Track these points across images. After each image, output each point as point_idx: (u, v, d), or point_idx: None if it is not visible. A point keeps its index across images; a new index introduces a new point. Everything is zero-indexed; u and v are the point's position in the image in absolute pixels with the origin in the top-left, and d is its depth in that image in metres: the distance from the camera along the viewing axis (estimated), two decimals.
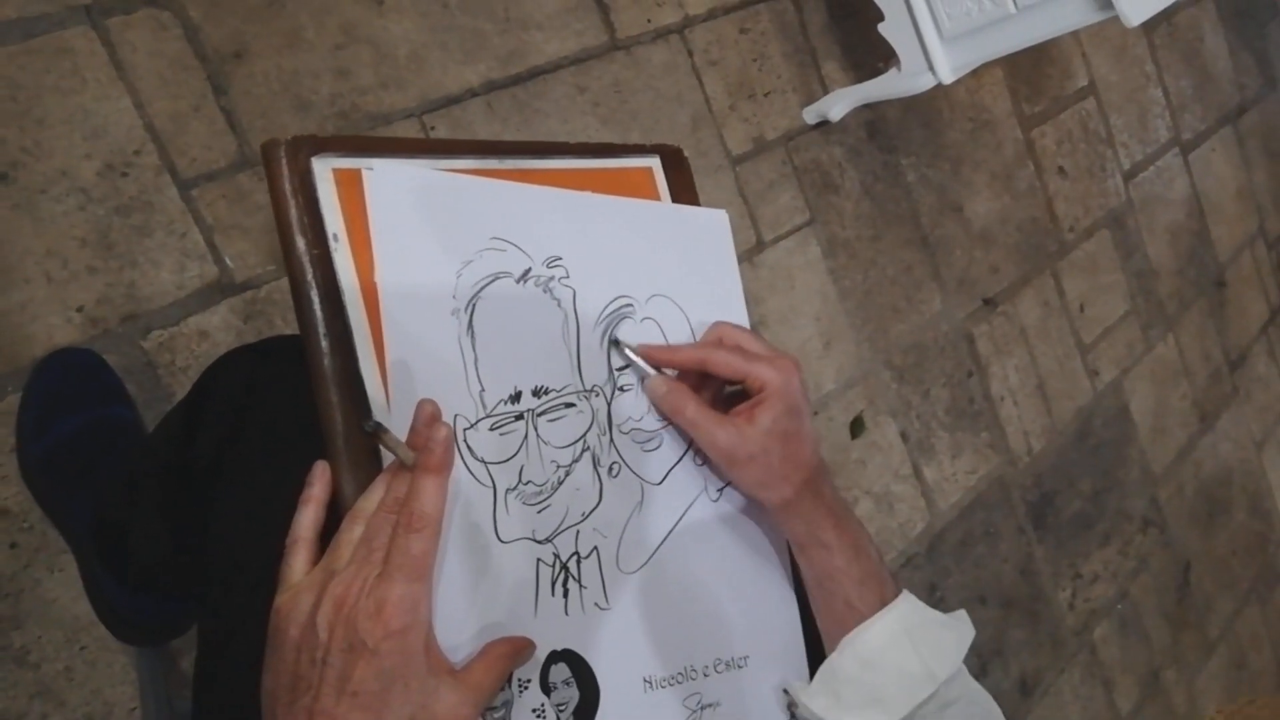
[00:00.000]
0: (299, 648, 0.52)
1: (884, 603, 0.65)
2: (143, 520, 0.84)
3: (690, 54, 1.72)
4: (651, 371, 0.69)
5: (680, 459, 0.71)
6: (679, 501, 0.70)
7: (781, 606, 0.73)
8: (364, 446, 0.59)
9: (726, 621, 0.69)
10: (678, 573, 0.68)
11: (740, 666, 0.68)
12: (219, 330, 1.20)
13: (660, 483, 0.70)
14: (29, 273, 1.09)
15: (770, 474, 0.66)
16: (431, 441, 0.55)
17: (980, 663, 2.07)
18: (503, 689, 0.58)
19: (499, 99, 1.48)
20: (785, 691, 0.67)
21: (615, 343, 0.70)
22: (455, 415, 0.61)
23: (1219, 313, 2.89)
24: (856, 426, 1.90)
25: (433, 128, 1.41)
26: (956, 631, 0.66)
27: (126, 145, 1.17)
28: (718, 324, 0.72)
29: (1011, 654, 2.14)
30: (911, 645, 0.63)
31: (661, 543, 0.69)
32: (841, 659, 0.64)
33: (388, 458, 0.58)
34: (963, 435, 2.10)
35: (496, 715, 0.58)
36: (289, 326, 1.24)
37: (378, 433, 0.56)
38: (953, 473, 2.08)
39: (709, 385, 0.71)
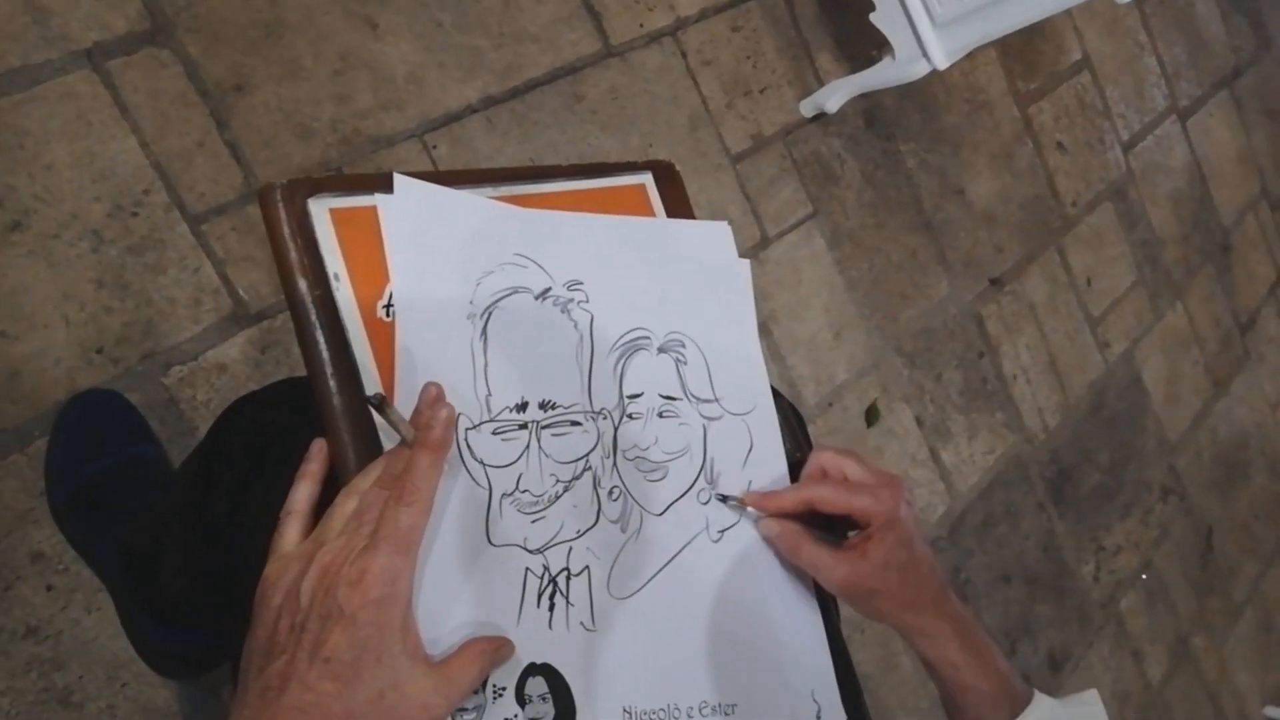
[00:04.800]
0: (280, 614, 0.52)
1: (1015, 714, 0.66)
2: (169, 563, 0.86)
3: (684, 55, 1.73)
4: (760, 516, 0.71)
5: (684, 494, 0.70)
6: (678, 536, 0.69)
7: (781, 656, 0.71)
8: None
9: (717, 666, 0.68)
10: (670, 608, 0.67)
11: (727, 714, 0.67)
12: (237, 362, 1.21)
13: (661, 514, 0.69)
14: (48, 317, 1.11)
15: (892, 603, 0.68)
16: (433, 419, 0.56)
17: (1009, 641, 2.08)
18: (476, 691, 0.57)
19: (498, 114, 1.49)
20: None
21: (723, 497, 0.71)
22: (459, 414, 0.61)
23: (1226, 277, 2.89)
24: (871, 415, 1.90)
25: (434, 146, 1.42)
26: None
27: (135, 185, 1.18)
28: (818, 454, 0.72)
29: (1039, 631, 2.15)
30: None
31: (655, 574, 0.67)
32: None
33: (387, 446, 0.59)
34: (977, 416, 2.11)
35: (466, 716, 0.57)
36: None
37: (381, 406, 0.56)
38: (970, 454, 2.08)
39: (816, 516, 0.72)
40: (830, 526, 0.71)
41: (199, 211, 1.22)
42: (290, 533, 0.57)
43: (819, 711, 0.71)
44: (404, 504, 0.53)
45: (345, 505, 0.55)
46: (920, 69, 1.70)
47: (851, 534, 0.70)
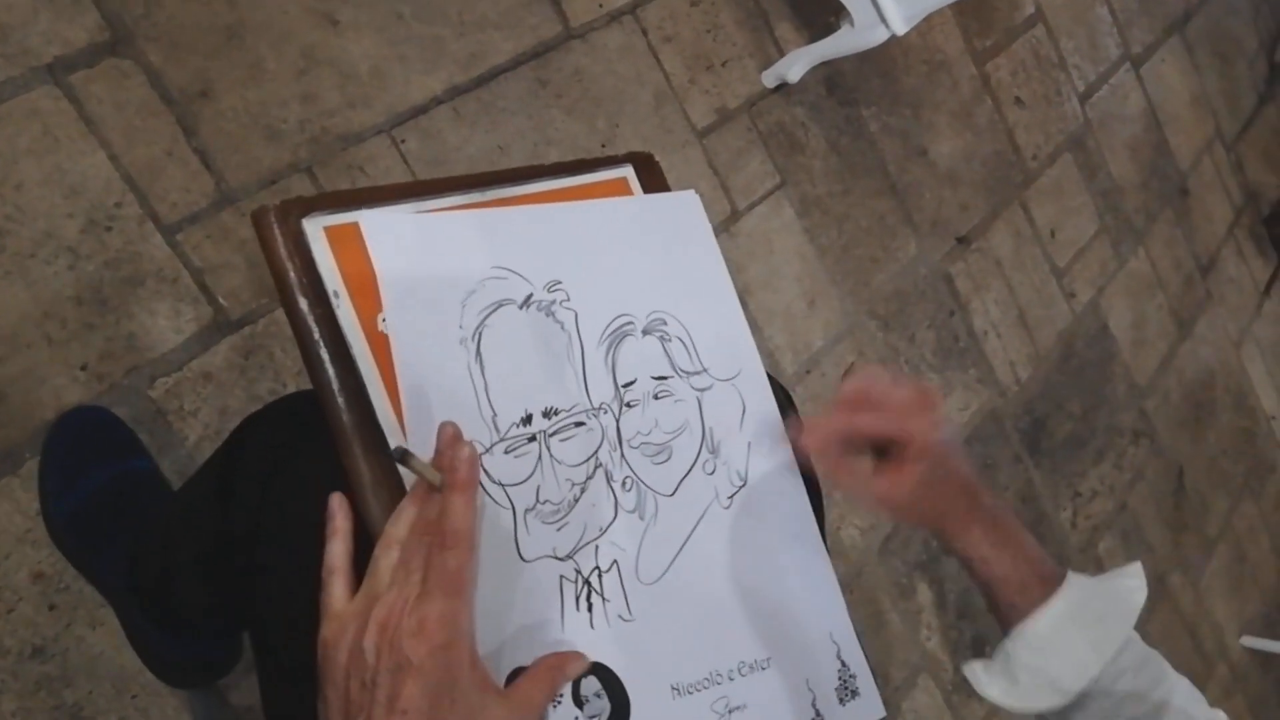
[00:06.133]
0: (348, 673, 0.53)
1: (1047, 597, 0.68)
2: (186, 579, 0.87)
3: (645, 33, 1.73)
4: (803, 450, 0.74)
5: (690, 470, 0.73)
6: (692, 511, 0.72)
7: (800, 604, 0.75)
8: (393, 488, 0.61)
9: (747, 625, 0.71)
10: (696, 580, 0.70)
11: (764, 668, 0.71)
12: (222, 370, 1.21)
13: (673, 494, 0.71)
14: (30, 337, 1.10)
15: (928, 516, 0.71)
16: (456, 460, 0.57)
17: None
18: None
19: (464, 103, 1.49)
20: (963, 676, 0.71)
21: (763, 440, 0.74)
22: (471, 441, 0.63)
23: (1185, 220, 2.94)
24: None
25: (403, 141, 1.42)
26: (1122, 600, 0.69)
27: (106, 199, 1.17)
28: (851, 375, 0.73)
29: None
30: (1077, 630, 0.67)
31: (678, 552, 0.70)
32: (1014, 647, 0.68)
33: (410, 480, 0.60)
34: (951, 374, 2.14)
35: None
36: (289, 358, 1.25)
37: (404, 457, 0.58)
38: (946, 412, 2.12)
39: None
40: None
41: (173, 221, 1.21)
42: (337, 591, 0.58)
43: (839, 651, 0.75)
44: (448, 548, 0.54)
45: (387, 557, 0.56)
46: (879, 36, 1.71)
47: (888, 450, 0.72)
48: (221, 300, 1.23)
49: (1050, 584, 0.69)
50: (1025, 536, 0.71)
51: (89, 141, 1.17)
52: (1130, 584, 0.69)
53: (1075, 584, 0.69)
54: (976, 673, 0.70)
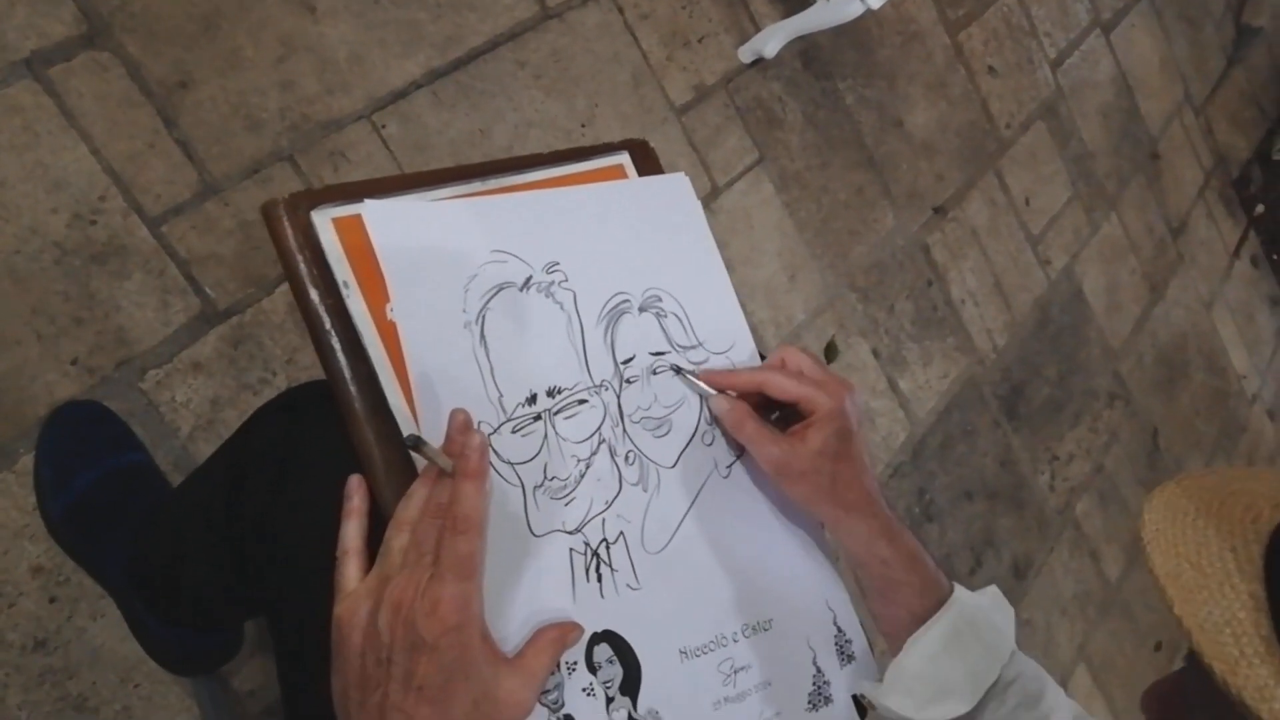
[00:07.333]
0: (364, 651, 0.55)
1: (941, 604, 0.69)
2: (194, 568, 0.88)
3: (621, 11, 1.73)
4: (713, 392, 0.74)
5: (690, 442, 0.75)
6: (693, 481, 0.75)
7: (798, 568, 0.77)
8: (406, 473, 0.63)
9: (749, 589, 0.74)
10: (700, 548, 0.73)
11: (766, 629, 0.73)
12: (212, 360, 1.22)
13: (674, 466, 0.74)
14: (19, 334, 1.11)
15: (820, 492, 0.70)
16: (467, 448, 0.59)
17: (974, 555, 2.17)
18: (553, 672, 0.63)
19: (443, 87, 1.49)
20: (860, 695, 0.73)
21: (678, 370, 0.75)
22: (479, 423, 0.65)
23: (1156, 184, 2.98)
24: (830, 352, 1.95)
25: (384, 126, 1.42)
26: (1002, 612, 0.71)
27: (90, 193, 1.17)
28: (782, 347, 0.75)
29: (1002, 542, 2.24)
30: (974, 637, 0.68)
31: (681, 522, 0.73)
32: (909, 659, 0.68)
33: (421, 464, 0.62)
34: (931, 343, 2.17)
35: (549, 697, 0.62)
36: (278, 347, 1.26)
37: (417, 445, 0.59)
38: (926, 380, 2.15)
39: (768, 405, 0.75)
40: (783, 420, 0.75)
41: (157, 213, 1.21)
42: (350, 571, 0.60)
43: (835, 617, 0.78)
44: (459, 532, 0.56)
45: (398, 539, 0.58)
46: (854, 10, 1.72)
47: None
48: (209, 291, 1.23)
49: (943, 593, 0.70)
50: (920, 546, 0.72)
51: (70, 135, 1.17)
52: (999, 598, 0.72)
53: (963, 594, 0.70)
54: (875, 692, 0.70)
